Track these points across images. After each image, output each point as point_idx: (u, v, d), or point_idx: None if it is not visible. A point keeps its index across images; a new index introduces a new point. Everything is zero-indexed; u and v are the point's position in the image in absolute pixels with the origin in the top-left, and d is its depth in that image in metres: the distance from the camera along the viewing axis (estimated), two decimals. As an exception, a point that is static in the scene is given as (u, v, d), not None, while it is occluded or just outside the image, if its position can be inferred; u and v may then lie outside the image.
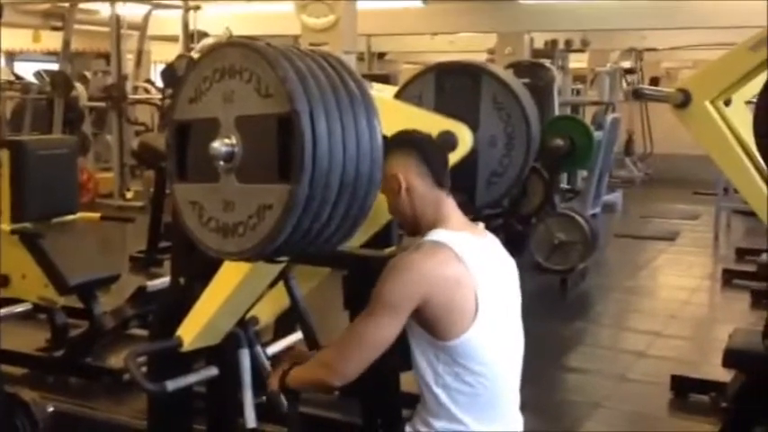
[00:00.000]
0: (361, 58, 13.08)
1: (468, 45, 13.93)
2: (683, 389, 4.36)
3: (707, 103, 3.52)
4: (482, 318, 1.89)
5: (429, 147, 2.04)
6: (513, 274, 2.08)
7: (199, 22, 10.70)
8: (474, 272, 1.90)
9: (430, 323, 1.90)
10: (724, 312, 6.52)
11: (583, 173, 8.27)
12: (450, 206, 2.02)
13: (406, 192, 2.00)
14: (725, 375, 4.05)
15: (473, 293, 1.89)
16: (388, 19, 11.96)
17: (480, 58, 10.82)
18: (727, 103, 3.57)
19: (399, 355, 2.47)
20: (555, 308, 6.04)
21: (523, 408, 2.09)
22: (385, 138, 1.95)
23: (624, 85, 12.60)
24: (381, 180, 1.99)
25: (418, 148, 2.01)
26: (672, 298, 6.67)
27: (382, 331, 1.88)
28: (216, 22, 10.17)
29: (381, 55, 16.20)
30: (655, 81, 14.48)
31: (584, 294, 6.80)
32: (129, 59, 11.69)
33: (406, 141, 2.04)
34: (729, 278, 6.99)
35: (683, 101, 3.56)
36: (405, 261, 1.90)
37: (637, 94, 4.49)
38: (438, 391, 1.93)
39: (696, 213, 10.40)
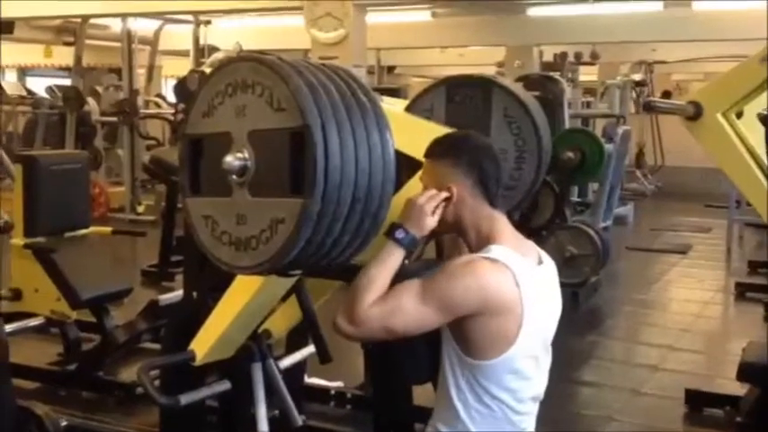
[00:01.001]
0: (370, 71, 13.13)
1: (478, 58, 14.00)
2: (698, 403, 4.33)
3: (718, 116, 3.52)
4: (517, 349, 1.86)
5: (491, 170, 1.96)
6: (558, 309, 2.04)
7: (209, 36, 10.78)
8: (525, 302, 1.85)
9: (464, 337, 1.86)
10: (737, 326, 6.49)
11: (594, 185, 8.25)
12: (503, 222, 1.97)
13: (453, 204, 1.94)
14: (739, 389, 4.03)
15: (517, 324, 1.85)
16: (398, 33, 12.02)
17: (489, 71, 10.83)
18: (739, 115, 3.57)
19: (412, 367, 2.46)
20: (567, 321, 5.92)
21: (536, 421, 2.08)
22: (398, 152, 1.95)
23: (634, 95, 12.59)
24: (430, 174, 1.97)
25: (480, 168, 1.94)
26: (684, 311, 6.63)
27: (422, 318, 1.82)
28: (226, 36, 10.27)
29: (390, 69, 16.25)
30: (667, 95, 14.47)
31: (596, 308, 6.77)
32: (140, 74, 11.77)
33: (473, 157, 1.95)
34: (742, 291, 6.96)
35: (694, 113, 3.55)
36: (474, 267, 1.84)
37: (648, 107, 4.48)
38: (458, 405, 1.90)
39: (708, 226, 10.34)
